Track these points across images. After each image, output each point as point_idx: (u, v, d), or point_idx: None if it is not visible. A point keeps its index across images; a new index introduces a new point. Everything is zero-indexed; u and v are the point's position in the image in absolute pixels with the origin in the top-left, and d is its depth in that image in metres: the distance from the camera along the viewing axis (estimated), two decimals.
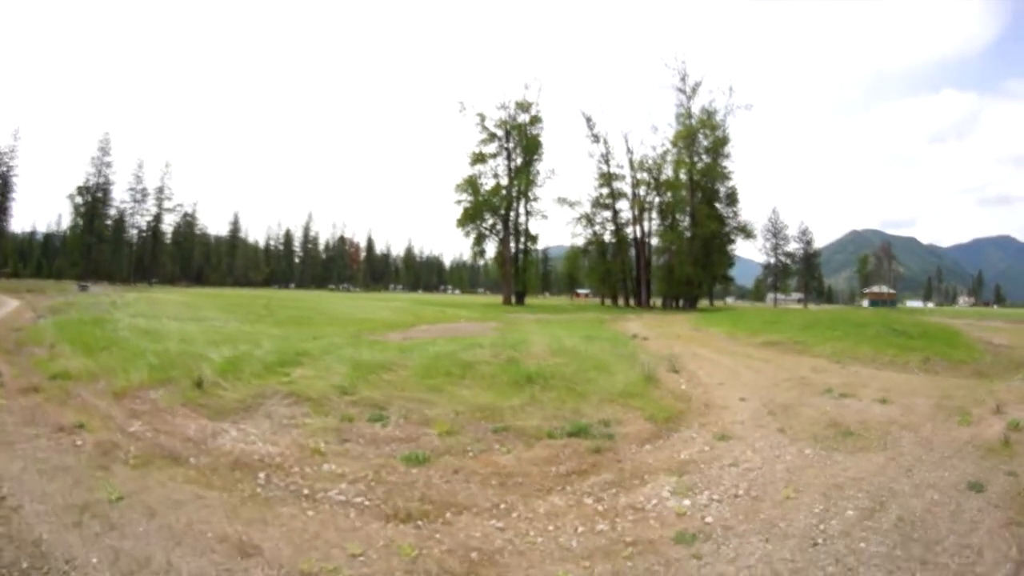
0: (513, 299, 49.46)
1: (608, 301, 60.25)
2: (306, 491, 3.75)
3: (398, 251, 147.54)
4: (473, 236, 50.65)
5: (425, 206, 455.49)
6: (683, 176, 47.61)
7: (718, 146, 45.20)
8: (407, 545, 3.00)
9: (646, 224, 49.29)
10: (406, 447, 4.64)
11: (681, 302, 49.79)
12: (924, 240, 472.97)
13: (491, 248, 51.74)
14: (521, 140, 50.36)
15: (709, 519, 3.42)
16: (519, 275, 50.33)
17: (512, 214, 50.52)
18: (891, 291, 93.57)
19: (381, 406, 5.68)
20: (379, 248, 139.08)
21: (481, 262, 60.66)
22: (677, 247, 44.04)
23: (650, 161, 48.00)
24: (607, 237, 52.96)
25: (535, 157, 50.68)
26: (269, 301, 29.27)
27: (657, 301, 52.09)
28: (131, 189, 77.14)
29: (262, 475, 3.99)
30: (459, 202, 49.92)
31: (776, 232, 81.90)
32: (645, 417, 5.51)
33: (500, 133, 50.70)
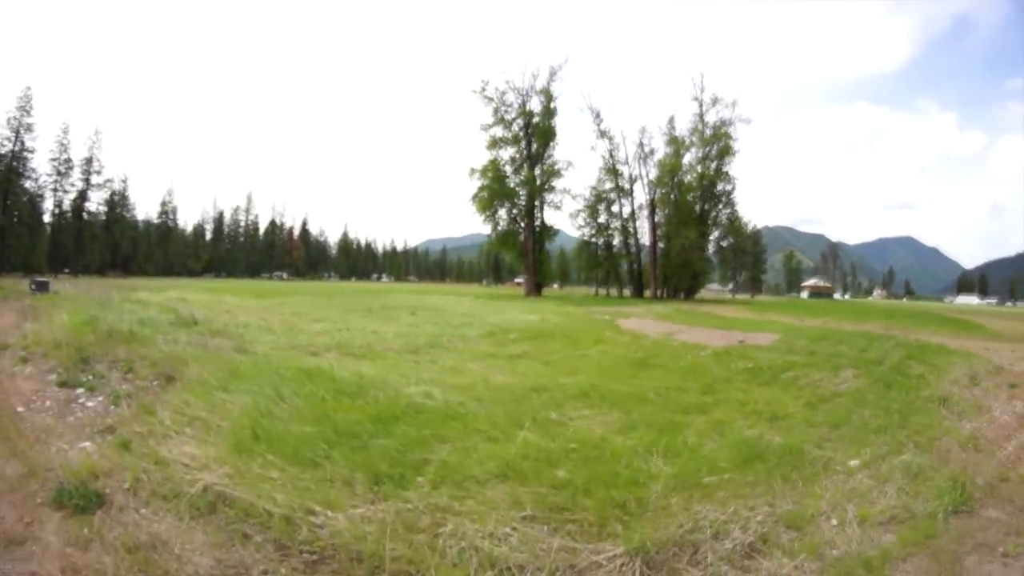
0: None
1: (605, 292, 67.91)
2: None
3: (332, 237, 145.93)
4: (491, 223, 55.39)
5: (359, 190, 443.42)
6: (687, 178, 56.05)
7: (724, 153, 54.03)
8: None
9: (657, 219, 57.13)
10: None
11: (679, 294, 58.59)
12: (832, 238, 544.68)
13: (507, 236, 56.44)
14: (535, 129, 54.75)
15: None
16: (538, 266, 55.86)
17: (531, 204, 55.28)
18: (828, 285, 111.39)
19: None
20: (314, 233, 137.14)
21: (487, 250, 64.81)
22: (692, 243, 52.35)
23: (662, 159, 55.83)
24: (612, 230, 60.44)
25: (550, 146, 55.65)
26: (370, 302, 26.69)
27: (646, 293, 60.23)
28: (53, 160, 70.02)
29: None
30: (481, 188, 53.97)
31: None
32: None
33: (510, 117, 54.81)
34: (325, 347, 10.59)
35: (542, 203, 56.29)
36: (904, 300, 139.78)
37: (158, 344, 8.96)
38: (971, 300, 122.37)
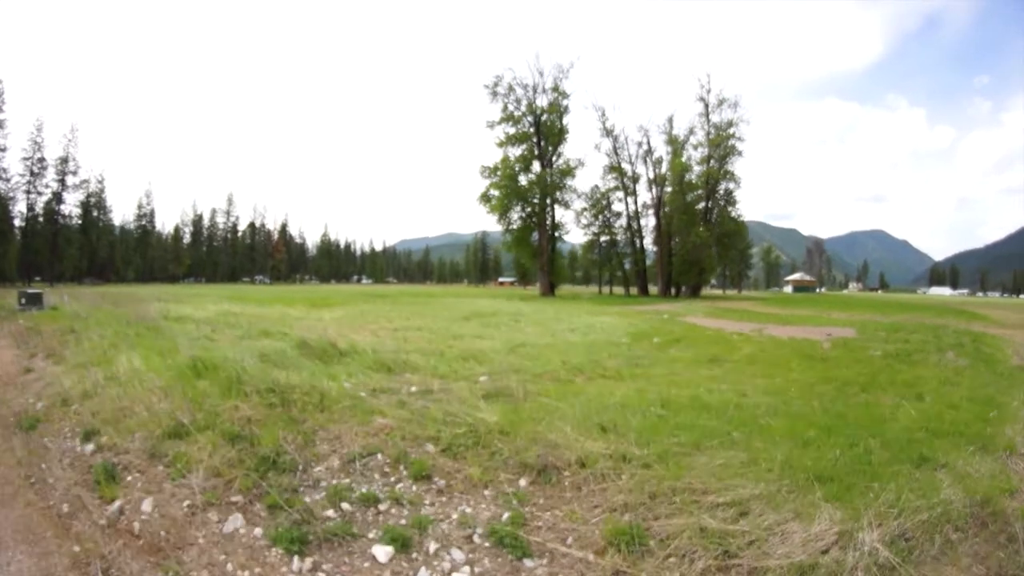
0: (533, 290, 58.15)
1: (609, 291, 71.53)
2: None
3: (310, 238, 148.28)
4: (504, 223, 57.49)
5: (334, 190, 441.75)
6: (692, 178, 60.06)
7: (729, 153, 58.22)
8: None
9: (664, 218, 60.95)
10: None
11: (685, 291, 62.64)
12: (805, 232, 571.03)
13: (523, 235, 58.66)
14: (545, 127, 57.11)
15: None
16: (551, 266, 58.80)
17: (544, 203, 57.71)
18: (812, 279, 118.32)
19: None
20: (294, 236, 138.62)
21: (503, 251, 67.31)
22: (704, 241, 56.37)
23: (671, 159, 59.62)
24: (616, 228, 64.21)
25: (560, 146, 58.06)
26: (444, 309, 25.54)
27: (652, 290, 64.12)
28: (26, 159, 68.51)
29: None
30: (492, 186, 56.03)
31: None
32: None
33: (519, 113, 57.00)
34: (556, 371, 9.64)
35: (553, 202, 58.78)
36: (879, 292, 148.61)
37: (366, 403, 5.76)
38: (943, 291, 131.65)
